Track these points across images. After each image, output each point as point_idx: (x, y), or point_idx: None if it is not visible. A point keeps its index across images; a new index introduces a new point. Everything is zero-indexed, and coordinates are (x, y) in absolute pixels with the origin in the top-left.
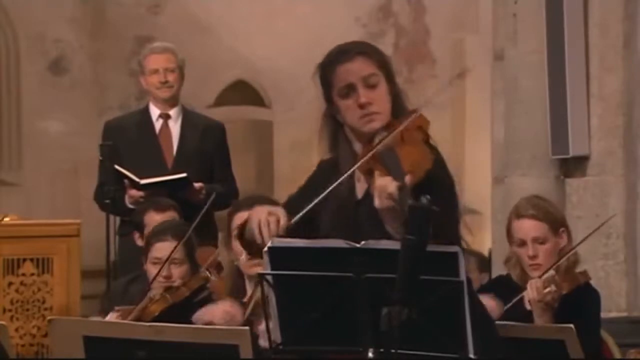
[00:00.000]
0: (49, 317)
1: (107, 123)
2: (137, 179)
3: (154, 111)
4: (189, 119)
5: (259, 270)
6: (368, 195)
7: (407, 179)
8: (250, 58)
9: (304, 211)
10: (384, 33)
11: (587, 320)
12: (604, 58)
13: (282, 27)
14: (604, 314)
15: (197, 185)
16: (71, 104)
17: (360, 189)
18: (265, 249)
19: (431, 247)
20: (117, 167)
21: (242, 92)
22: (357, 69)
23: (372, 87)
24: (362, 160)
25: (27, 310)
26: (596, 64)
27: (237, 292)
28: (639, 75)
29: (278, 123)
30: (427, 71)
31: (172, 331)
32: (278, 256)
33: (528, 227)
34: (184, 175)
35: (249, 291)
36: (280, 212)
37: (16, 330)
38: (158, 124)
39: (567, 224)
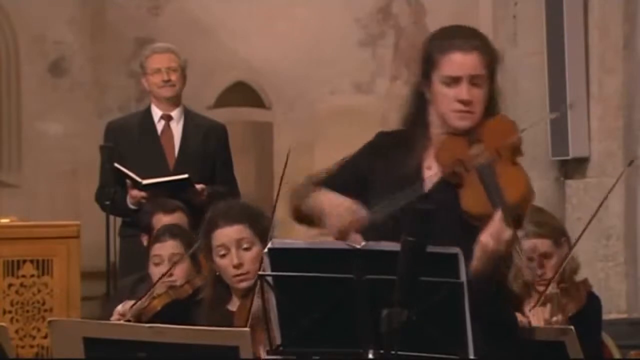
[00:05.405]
0: (48, 319)
1: (109, 124)
2: (138, 179)
3: (156, 112)
4: (191, 120)
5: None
6: (439, 188)
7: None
8: (250, 59)
9: (384, 211)
10: (383, 34)
11: (588, 327)
12: (604, 59)
13: (282, 29)
14: (604, 316)
15: (198, 186)
16: (71, 106)
17: (428, 179)
18: (266, 250)
19: (431, 249)
20: (119, 167)
21: (242, 93)
22: (469, 64)
23: (476, 86)
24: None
25: (27, 311)
26: (596, 66)
27: (221, 301)
28: (638, 77)
29: (278, 124)
30: None
31: (173, 332)
32: (278, 257)
33: (534, 245)
34: (185, 176)
35: (236, 301)
36: (359, 212)
37: (16, 331)
38: (160, 125)
39: (567, 231)
